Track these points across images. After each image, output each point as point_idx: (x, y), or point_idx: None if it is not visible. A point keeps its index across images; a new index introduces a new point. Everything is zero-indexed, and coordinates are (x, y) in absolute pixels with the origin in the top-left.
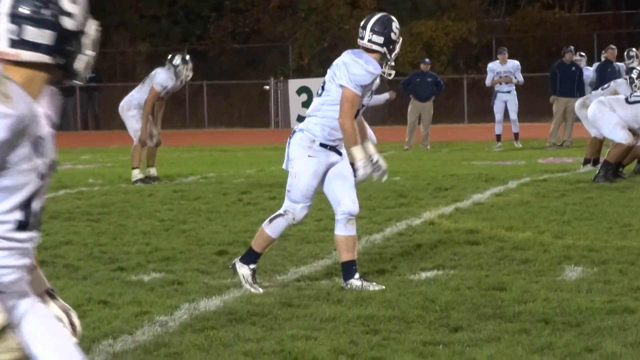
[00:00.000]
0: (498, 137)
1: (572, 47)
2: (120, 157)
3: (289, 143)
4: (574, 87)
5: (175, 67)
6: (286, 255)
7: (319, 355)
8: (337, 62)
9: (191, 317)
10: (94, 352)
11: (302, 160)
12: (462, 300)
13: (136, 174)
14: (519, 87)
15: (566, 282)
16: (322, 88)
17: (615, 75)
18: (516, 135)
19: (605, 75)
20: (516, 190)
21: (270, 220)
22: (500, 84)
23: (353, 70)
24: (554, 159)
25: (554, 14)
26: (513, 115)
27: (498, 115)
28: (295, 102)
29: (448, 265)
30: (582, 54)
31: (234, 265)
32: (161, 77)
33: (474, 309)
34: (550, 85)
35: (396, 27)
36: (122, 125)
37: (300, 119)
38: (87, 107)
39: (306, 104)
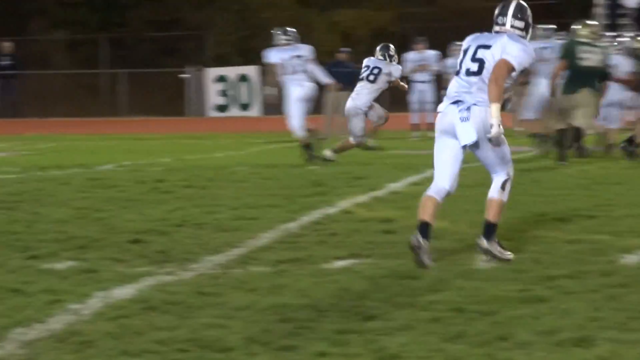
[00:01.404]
0: (414, 127)
1: None
2: (36, 145)
3: (467, 119)
4: None
5: (392, 57)
6: (201, 243)
7: (232, 344)
8: (495, 44)
9: (104, 306)
10: (6, 340)
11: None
12: (376, 289)
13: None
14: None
15: (480, 271)
16: (476, 67)
17: None
18: (431, 126)
19: None
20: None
21: (503, 188)
22: (416, 72)
23: (520, 50)
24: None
25: (479, 4)
26: (429, 105)
27: (414, 105)
28: (212, 90)
29: (363, 254)
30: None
31: (481, 246)
32: (400, 68)
33: (388, 298)
34: None
35: (530, 12)
36: (39, 113)
37: (219, 108)
38: (4, 94)
39: (223, 93)
